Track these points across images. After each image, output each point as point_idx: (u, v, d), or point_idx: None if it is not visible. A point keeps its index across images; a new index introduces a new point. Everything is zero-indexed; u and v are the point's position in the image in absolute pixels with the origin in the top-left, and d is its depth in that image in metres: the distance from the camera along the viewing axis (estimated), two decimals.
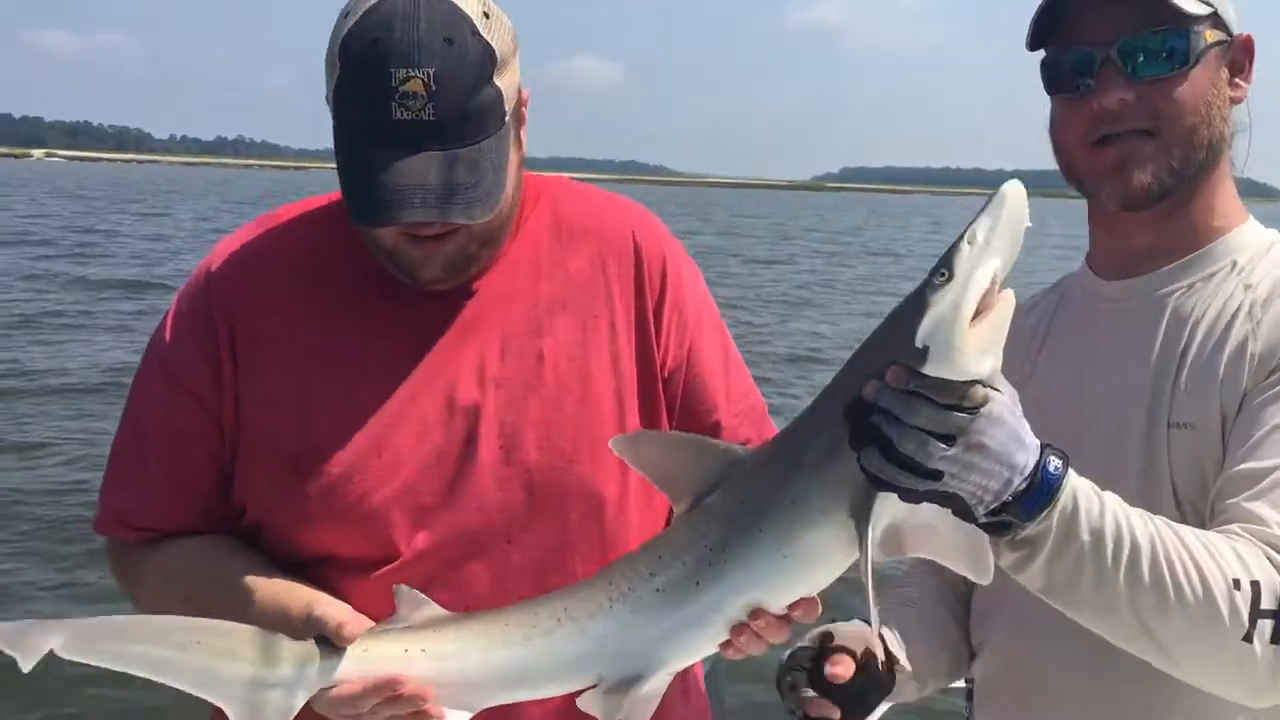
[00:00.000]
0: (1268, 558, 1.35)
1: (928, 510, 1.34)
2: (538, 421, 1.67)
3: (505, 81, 1.57)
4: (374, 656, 1.49)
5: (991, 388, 1.28)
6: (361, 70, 1.50)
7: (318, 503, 1.63)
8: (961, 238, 1.29)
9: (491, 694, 1.53)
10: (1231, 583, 1.32)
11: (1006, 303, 1.29)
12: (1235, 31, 1.65)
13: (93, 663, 1.40)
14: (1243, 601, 1.32)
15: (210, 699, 1.46)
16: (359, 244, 1.69)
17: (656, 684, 1.51)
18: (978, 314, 1.27)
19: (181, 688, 1.44)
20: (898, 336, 1.31)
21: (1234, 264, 1.63)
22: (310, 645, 1.49)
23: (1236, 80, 1.65)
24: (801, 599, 1.42)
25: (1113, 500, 1.35)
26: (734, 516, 1.43)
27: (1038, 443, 1.30)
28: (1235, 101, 1.66)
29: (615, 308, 1.76)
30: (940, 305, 1.27)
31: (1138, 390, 1.61)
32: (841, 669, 1.55)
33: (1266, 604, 1.32)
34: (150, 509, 1.72)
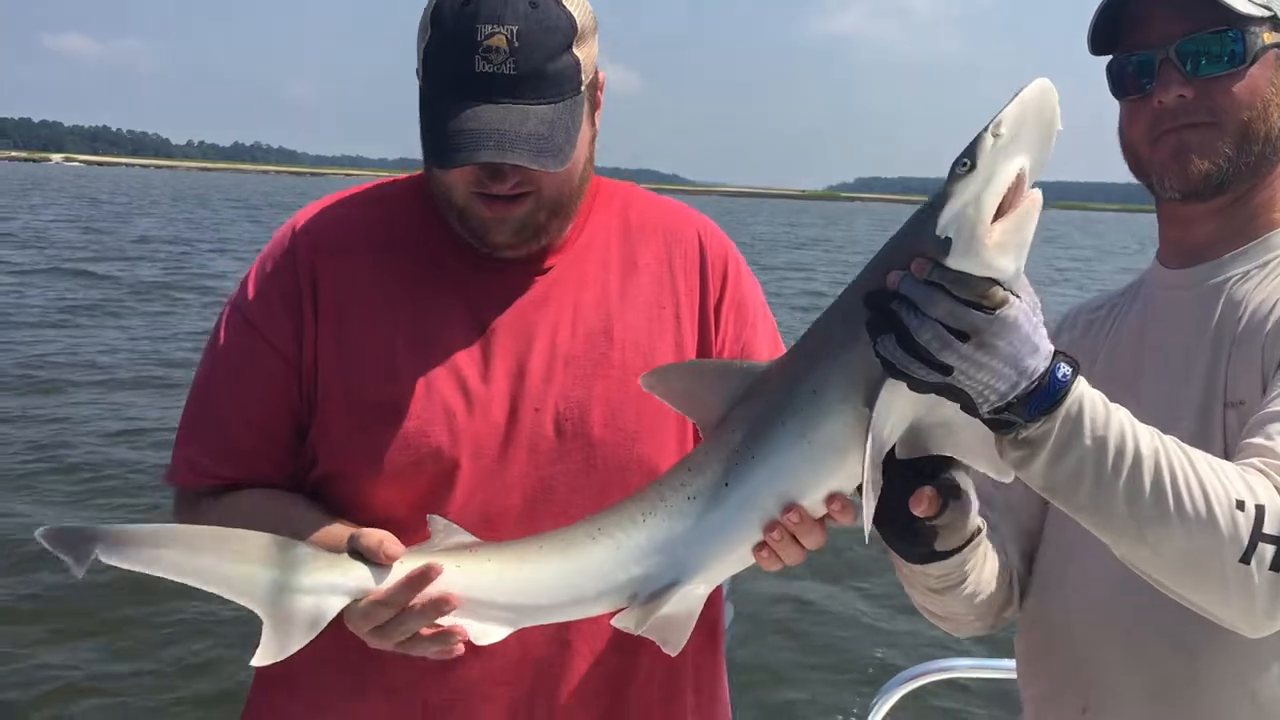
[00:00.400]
0: (1277, 487, 1.37)
1: (945, 407, 1.37)
2: (603, 399, 1.74)
3: (584, 54, 1.66)
4: (408, 569, 1.51)
5: (1011, 291, 1.29)
6: (451, 27, 1.60)
7: (386, 456, 1.68)
8: (986, 129, 1.27)
9: (526, 612, 1.54)
10: (1235, 503, 1.34)
11: (1033, 202, 1.29)
12: None
13: (129, 568, 1.42)
14: (1245, 522, 1.33)
15: (244, 604, 1.47)
16: (443, 223, 1.77)
17: (691, 599, 1.53)
18: (1003, 211, 1.27)
19: (217, 593, 1.46)
20: (921, 228, 1.32)
21: None
22: (345, 557, 1.51)
23: None
24: (836, 496, 1.44)
25: (1121, 413, 1.37)
26: (759, 416, 1.45)
27: (1051, 349, 1.32)
28: None
29: (680, 300, 1.84)
30: (962, 196, 1.28)
31: (1192, 371, 1.67)
32: (924, 506, 1.49)
33: (1270, 529, 1.33)
34: (222, 456, 1.75)
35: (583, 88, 1.67)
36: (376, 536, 1.51)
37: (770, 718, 5.54)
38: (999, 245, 1.26)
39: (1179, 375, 1.68)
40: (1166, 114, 1.66)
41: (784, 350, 1.88)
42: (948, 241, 1.27)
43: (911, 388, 1.32)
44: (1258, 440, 1.45)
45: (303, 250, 1.78)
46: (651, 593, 1.50)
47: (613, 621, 1.52)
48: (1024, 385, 1.30)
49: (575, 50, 1.64)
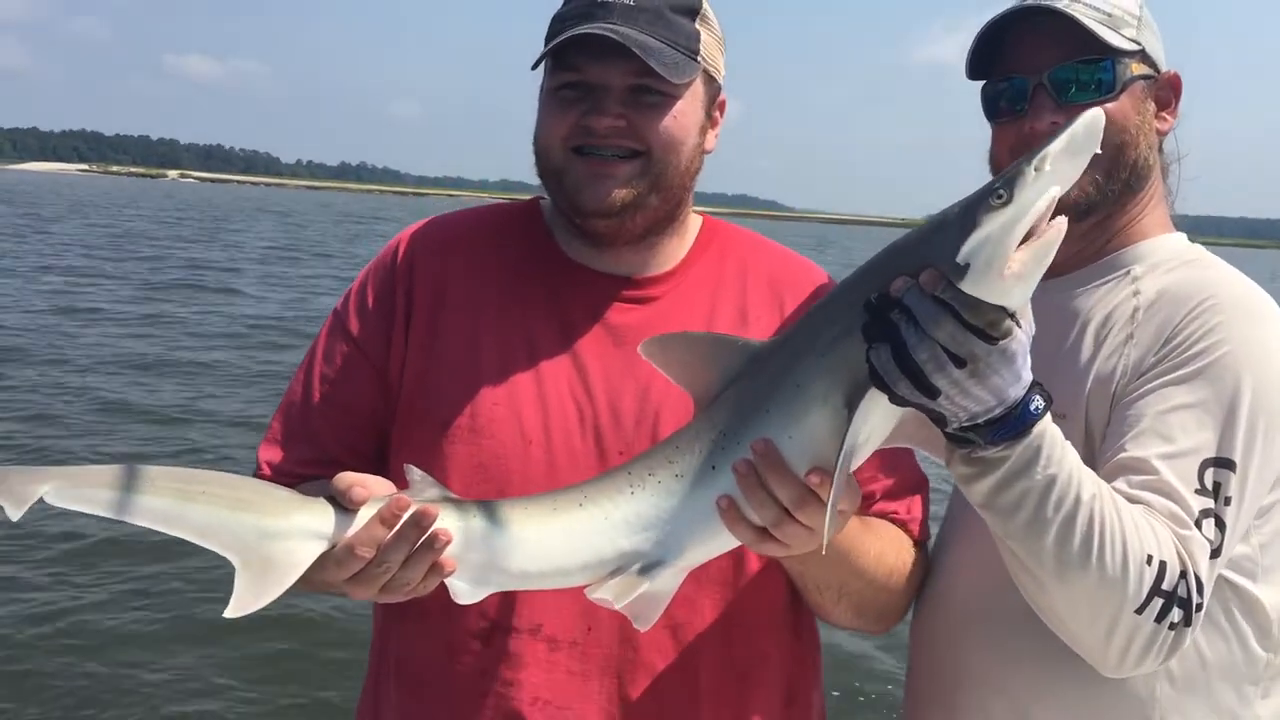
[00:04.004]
0: (1175, 548, 1.45)
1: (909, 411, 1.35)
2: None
3: (705, 35, 1.71)
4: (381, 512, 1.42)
5: (1016, 321, 1.26)
6: None
7: (457, 476, 1.65)
8: (1029, 161, 1.24)
9: (506, 574, 1.47)
10: (1145, 557, 1.41)
11: (1056, 231, 1.25)
12: (1163, 69, 1.77)
13: (88, 511, 1.33)
14: (1149, 577, 1.41)
15: (215, 549, 1.38)
16: (549, 239, 1.80)
17: (672, 578, 1.49)
18: (1025, 239, 1.24)
19: (185, 538, 1.37)
20: (938, 246, 1.27)
21: (1129, 272, 1.74)
22: (322, 502, 1.43)
23: (1164, 114, 1.78)
24: (815, 469, 1.39)
25: (1072, 454, 1.41)
26: (746, 402, 1.43)
27: (1031, 379, 1.32)
28: (1162, 133, 1.79)
29: None
30: (991, 226, 1.23)
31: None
32: None
33: (1165, 585, 1.42)
34: (308, 464, 1.73)
35: (699, 59, 1.68)
36: (348, 479, 1.44)
37: None
38: (1017, 276, 1.23)
39: None
40: (1037, 139, 1.61)
41: None
42: (965, 266, 1.24)
43: (892, 401, 1.30)
44: (1151, 480, 1.51)
45: (404, 260, 1.79)
46: (636, 568, 1.45)
47: (589, 592, 1.46)
48: (997, 412, 1.31)
49: (697, 24, 1.69)
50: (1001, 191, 1.23)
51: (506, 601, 1.63)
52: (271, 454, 1.77)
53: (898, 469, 1.81)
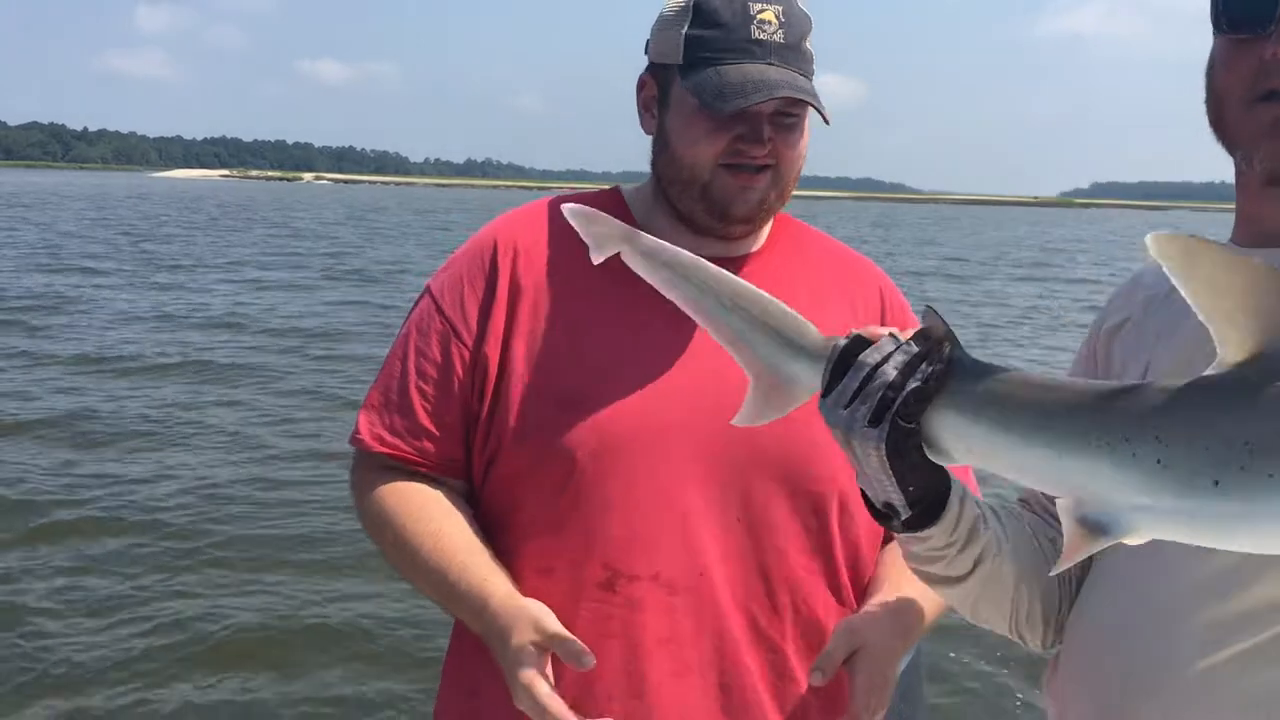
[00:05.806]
0: None
1: None
2: (786, 429, 1.61)
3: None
4: None
5: None
6: (723, 5, 1.75)
7: (583, 441, 1.73)
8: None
9: None
10: None
11: None
12: None
13: (648, 277, 1.39)
14: None
15: (739, 360, 1.42)
16: (642, 228, 1.71)
17: None
18: None
19: (719, 340, 1.41)
20: None
21: None
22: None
23: None
24: None
25: None
26: None
27: None
28: None
29: None
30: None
31: None
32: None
33: None
34: (402, 434, 1.84)
35: (814, 79, 1.79)
36: (578, 647, 1.58)
37: None
38: None
39: None
40: (1276, 70, 1.26)
41: None
42: None
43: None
44: None
45: (503, 247, 1.86)
46: None
47: None
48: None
49: (809, 45, 1.80)
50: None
51: (626, 550, 1.72)
52: (369, 420, 1.86)
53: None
